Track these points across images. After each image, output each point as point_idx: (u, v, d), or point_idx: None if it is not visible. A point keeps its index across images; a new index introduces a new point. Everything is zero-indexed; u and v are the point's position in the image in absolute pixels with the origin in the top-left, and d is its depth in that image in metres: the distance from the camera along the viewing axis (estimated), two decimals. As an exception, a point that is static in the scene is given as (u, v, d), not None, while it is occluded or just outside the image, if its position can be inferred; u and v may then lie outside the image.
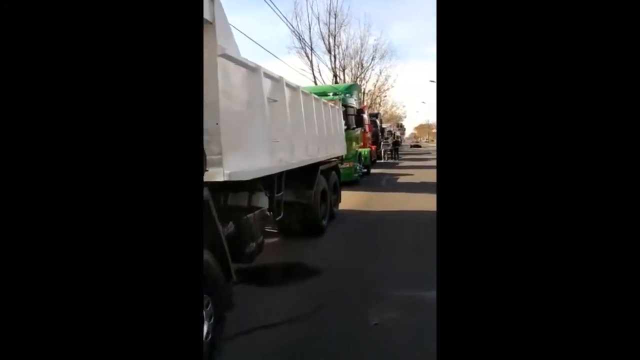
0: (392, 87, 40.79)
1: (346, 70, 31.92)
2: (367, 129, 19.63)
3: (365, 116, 20.05)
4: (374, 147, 20.90)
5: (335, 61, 29.32)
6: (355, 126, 12.01)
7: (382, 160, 23.50)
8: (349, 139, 11.45)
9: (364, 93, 37.29)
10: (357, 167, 12.37)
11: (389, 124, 37.55)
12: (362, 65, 32.65)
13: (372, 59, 33.27)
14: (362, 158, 14.19)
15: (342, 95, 11.90)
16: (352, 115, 11.86)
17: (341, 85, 17.49)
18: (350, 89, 13.97)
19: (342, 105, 11.27)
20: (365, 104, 30.18)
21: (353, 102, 12.91)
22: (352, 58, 32.60)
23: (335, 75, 28.68)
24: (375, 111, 32.08)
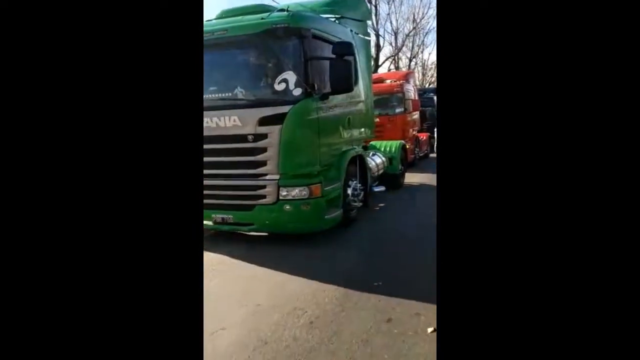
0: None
1: (399, 35, 23.92)
2: (412, 106, 12.03)
3: (410, 87, 12.45)
4: (425, 136, 13.38)
5: (377, 16, 21.28)
6: (338, 88, 4.39)
7: (434, 154, 15.56)
8: (304, 124, 4.22)
9: (424, 66, 28.95)
10: (352, 195, 5.06)
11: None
12: (414, 21, 24.34)
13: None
14: (379, 166, 6.79)
15: (291, 13, 4.50)
16: (321, 59, 4.32)
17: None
18: (336, 4, 5.67)
19: (302, 30, 4.09)
20: (421, 75, 22.23)
21: (339, 32, 5.25)
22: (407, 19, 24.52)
23: (378, 36, 20.84)
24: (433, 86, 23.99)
